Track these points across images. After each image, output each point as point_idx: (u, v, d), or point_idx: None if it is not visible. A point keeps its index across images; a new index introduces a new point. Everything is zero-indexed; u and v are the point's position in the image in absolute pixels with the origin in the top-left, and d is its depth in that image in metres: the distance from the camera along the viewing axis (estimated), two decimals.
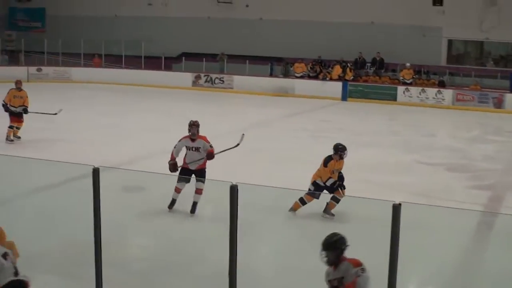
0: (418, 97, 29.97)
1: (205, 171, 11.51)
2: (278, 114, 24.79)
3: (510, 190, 14.34)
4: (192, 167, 11.44)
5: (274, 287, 8.43)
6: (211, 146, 11.50)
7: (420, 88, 30.29)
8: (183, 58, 35.41)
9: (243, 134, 12.64)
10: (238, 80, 32.81)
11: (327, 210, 11.51)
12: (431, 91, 30.14)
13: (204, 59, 34.29)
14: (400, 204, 5.00)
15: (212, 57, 34.48)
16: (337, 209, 11.34)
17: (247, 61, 33.49)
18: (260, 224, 10.31)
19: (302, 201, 11.45)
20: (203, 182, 11.00)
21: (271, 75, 34.42)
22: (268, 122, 22.94)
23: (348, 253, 6.45)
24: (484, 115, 27.05)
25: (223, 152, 11.91)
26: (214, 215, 11.80)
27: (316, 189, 11.68)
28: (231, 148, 12.30)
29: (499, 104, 29.07)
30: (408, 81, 31.09)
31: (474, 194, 13.80)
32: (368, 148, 18.65)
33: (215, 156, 11.48)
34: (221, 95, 31.31)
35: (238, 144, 12.53)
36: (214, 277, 5.49)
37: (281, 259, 9.34)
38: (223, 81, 33.19)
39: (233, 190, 5.29)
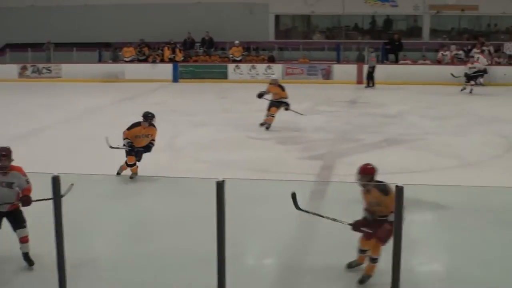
0: (248, 73, 30.23)
1: (21, 212, 8.42)
2: (110, 100, 24.29)
3: (339, 158, 14.65)
4: (3, 209, 8.30)
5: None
6: (27, 182, 8.37)
7: (250, 64, 30.54)
8: (7, 49, 34.04)
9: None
10: (66, 68, 31.87)
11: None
12: (261, 67, 30.47)
13: (29, 49, 33.12)
14: (223, 181, 4.89)
15: (38, 46, 33.34)
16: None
17: (75, 48, 32.67)
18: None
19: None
20: (24, 226, 8.36)
21: (100, 61, 33.66)
22: (99, 108, 22.41)
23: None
24: (314, 87, 27.58)
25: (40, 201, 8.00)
26: None
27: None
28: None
29: (327, 75, 29.81)
30: (237, 58, 31.30)
31: (306, 164, 14.02)
32: (202, 128, 18.65)
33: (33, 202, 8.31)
34: (50, 85, 30.28)
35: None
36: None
37: None
38: (50, 70, 32.14)
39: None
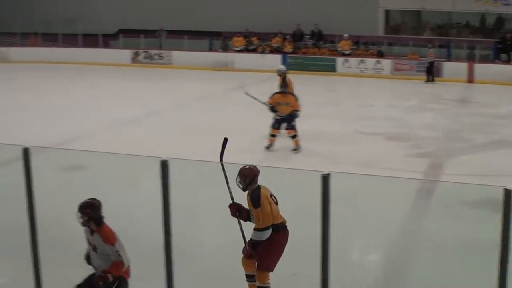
0: (357, 67, 30.14)
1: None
2: (219, 89, 24.70)
3: (449, 157, 14.54)
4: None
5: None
6: (117, 255, 6.28)
7: (359, 58, 30.45)
8: (121, 35, 34.94)
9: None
10: (177, 55, 32.59)
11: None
12: (370, 61, 30.35)
13: (142, 35, 33.94)
14: (329, 174, 4.97)
15: (151, 33, 34.14)
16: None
17: (186, 36, 33.25)
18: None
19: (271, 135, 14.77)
20: None
21: (210, 49, 34.20)
22: (209, 96, 22.86)
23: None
24: (423, 84, 27.32)
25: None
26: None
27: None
28: None
29: (437, 73, 29.39)
30: (346, 52, 31.24)
31: (413, 162, 13.97)
32: (309, 120, 18.66)
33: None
34: (161, 71, 31.05)
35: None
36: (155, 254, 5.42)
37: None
38: (162, 57, 32.92)
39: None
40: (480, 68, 29.11)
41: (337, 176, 10.26)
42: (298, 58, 31.22)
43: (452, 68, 29.30)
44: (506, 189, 4.81)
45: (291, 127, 14.81)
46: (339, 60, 30.77)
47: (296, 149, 14.81)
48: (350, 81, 27.59)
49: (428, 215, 10.47)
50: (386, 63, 30.05)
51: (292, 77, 28.11)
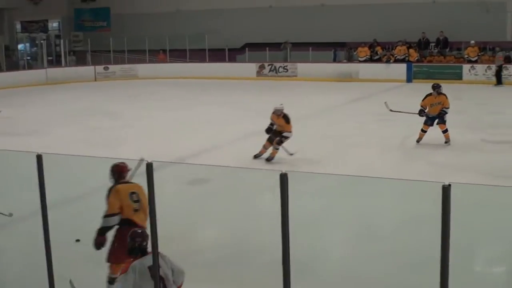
0: (484, 74, 29.60)
1: None
2: (343, 100, 24.81)
3: None
4: None
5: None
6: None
7: (486, 65, 29.90)
8: (247, 48, 35.55)
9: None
10: (302, 67, 32.97)
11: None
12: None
13: (267, 48, 34.42)
14: (449, 185, 5.04)
15: (275, 46, 34.60)
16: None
17: (310, 48, 33.50)
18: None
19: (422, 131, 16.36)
20: None
21: (334, 60, 34.38)
22: (333, 107, 23.02)
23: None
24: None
25: None
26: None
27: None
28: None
29: None
30: (473, 59, 30.76)
31: None
32: (435, 130, 18.58)
33: None
34: (286, 83, 31.46)
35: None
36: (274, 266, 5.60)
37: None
38: (287, 69, 33.36)
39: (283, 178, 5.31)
40: None
41: (461, 186, 10.22)
42: (423, 67, 30.98)
43: None
44: None
45: (443, 122, 16.32)
46: (465, 67, 30.30)
47: (447, 141, 16.31)
48: (476, 89, 27.13)
49: None
50: None
51: (417, 85, 28.12)
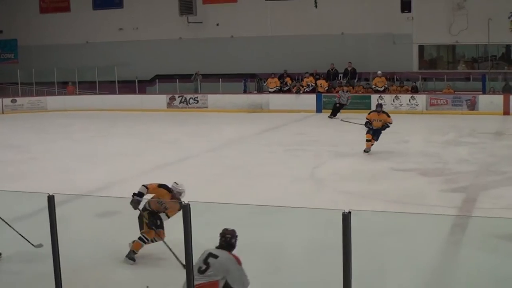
0: (392, 104, 30.14)
1: None
2: (253, 130, 24.83)
3: (483, 191, 14.41)
4: None
5: None
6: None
7: (394, 95, 30.46)
8: (157, 80, 35.42)
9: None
10: (213, 98, 33.00)
11: None
12: (405, 98, 30.42)
13: (177, 80, 34.33)
14: (349, 212, 5.03)
15: (186, 77, 34.52)
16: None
17: (221, 79, 33.59)
18: None
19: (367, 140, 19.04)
20: None
21: (245, 91, 34.51)
22: (243, 138, 22.98)
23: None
24: (458, 118, 27.21)
25: None
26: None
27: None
28: None
29: (472, 106, 29.35)
30: (380, 89, 31.33)
31: (448, 197, 13.87)
32: (344, 158, 18.79)
33: None
34: (196, 114, 31.38)
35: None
36: None
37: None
38: (197, 100, 33.29)
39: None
40: None
41: (368, 214, 10.30)
42: (332, 97, 31.25)
43: (488, 101, 29.20)
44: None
45: (377, 138, 19.26)
46: (374, 97, 30.78)
47: (367, 150, 19.00)
48: None
49: (463, 250, 10.39)
50: (421, 99, 30.11)
51: (327, 116, 28.34)
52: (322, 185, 15.47)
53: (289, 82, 33.11)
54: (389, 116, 19.52)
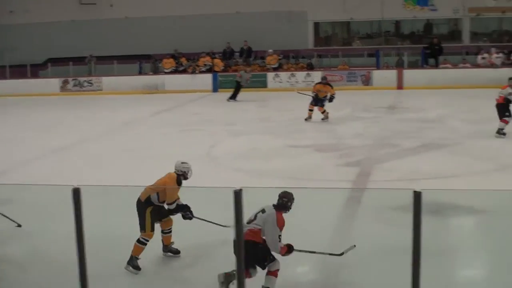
0: (288, 81, 30.20)
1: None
2: (149, 112, 24.41)
3: (377, 164, 14.57)
4: None
5: None
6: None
7: (290, 72, 30.52)
8: (49, 64, 34.52)
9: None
10: (107, 81, 32.27)
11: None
12: (300, 75, 30.50)
13: (71, 63, 33.51)
14: (241, 190, 4.87)
15: (79, 60, 33.72)
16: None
17: (115, 61, 32.95)
18: None
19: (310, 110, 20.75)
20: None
21: (140, 73, 34.00)
22: (138, 120, 22.58)
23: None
24: (353, 93, 27.47)
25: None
26: None
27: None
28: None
29: (367, 82, 29.74)
30: (274, 66, 31.36)
31: (343, 171, 13.97)
32: (240, 137, 18.71)
33: None
34: (91, 98, 30.71)
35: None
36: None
37: None
38: (91, 83, 32.53)
39: None
40: (409, 74, 29.57)
41: (262, 191, 10.17)
42: (228, 76, 31.10)
43: (382, 76, 29.63)
44: (415, 191, 4.78)
45: (321, 105, 20.73)
46: (270, 75, 30.81)
47: (324, 119, 20.66)
48: (281, 96, 27.58)
49: (358, 222, 10.44)
50: (317, 75, 30.15)
51: (223, 95, 28.21)
52: (218, 164, 15.33)
53: (185, 62, 32.75)
54: (332, 88, 21.05)
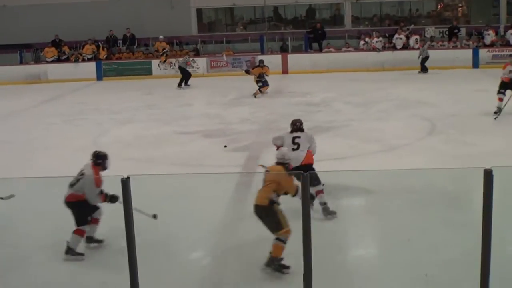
0: (173, 68, 30.00)
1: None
2: (32, 102, 23.76)
3: (265, 148, 14.62)
4: None
5: None
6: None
7: (174, 59, 30.33)
8: None
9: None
10: None
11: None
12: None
13: None
14: (128, 178, 4.84)
15: None
16: None
17: None
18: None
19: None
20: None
21: (21, 62, 33.02)
22: (20, 112, 21.95)
23: None
24: (239, 79, 27.50)
25: None
26: None
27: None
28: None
29: (252, 67, 29.81)
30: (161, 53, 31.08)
31: (232, 156, 14.02)
32: (126, 125, 18.50)
33: None
34: None
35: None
36: None
37: None
38: None
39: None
40: (294, 59, 29.88)
41: (153, 178, 10.08)
42: (112, 64, 30.69)
43: (267, 61, 29.82)
44: (302, 174, 4.82)
45: (267, 84, 23.13)
46: (155, 62, 30.53)
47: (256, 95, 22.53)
48: (166, 83, 27.38)
49: (248, 207, 10.47)
50: (202, 62, 30.18)
51: (108, 83, 27.84)
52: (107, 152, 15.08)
53: (67, 51, 32.06)
54: (268, 69, 23.56)
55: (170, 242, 8.88)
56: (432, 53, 27.52)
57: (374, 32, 30.78)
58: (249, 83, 23.52)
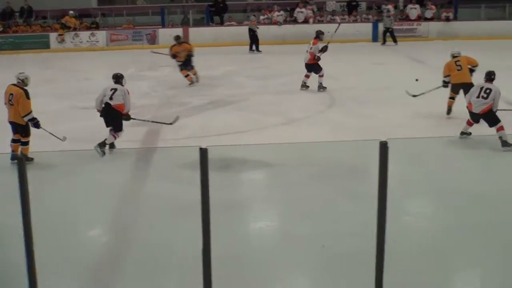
0: (72, 42, 29.47)
1: None
2: None
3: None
4: None
5: None
6: None
7: (73, 32, 29.74)
8: None
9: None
10: None
11: None
12: (84, 35, 29.92)
13: None
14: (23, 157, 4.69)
15: None
16: None
17: None
18: None
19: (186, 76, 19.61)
20: None
21: None
22: None
23: None
24: (140, 53, 27.23)
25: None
26: None
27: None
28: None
29: (153, 40, 29.64)
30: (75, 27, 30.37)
31: (132, 131, 13.77)
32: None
33: None
34: None
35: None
36: None
37: None
38: None
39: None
40: (195, 32, 29.72)
41: (50, 154, 9.85)
42: (9, 38, 29.91)
43: (168, 34, 29.58)
44: (201, 148, 4.79)
45: (191, 68, 19.62)
46: (53, 35, 29.89)
47: (191, 83, 19.40)
48: (65, 57, 26.85)
49: (148, 183, 10.41)
50: (101, 35, 29.74)
51: (4, 58, 27.10)
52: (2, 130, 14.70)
53: None
54: (189, 44, 20.56)
55: (68, 220, 8.74)
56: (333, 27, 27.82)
57: (275, 6, 30.89)
58: (149, 56, 23.28)
